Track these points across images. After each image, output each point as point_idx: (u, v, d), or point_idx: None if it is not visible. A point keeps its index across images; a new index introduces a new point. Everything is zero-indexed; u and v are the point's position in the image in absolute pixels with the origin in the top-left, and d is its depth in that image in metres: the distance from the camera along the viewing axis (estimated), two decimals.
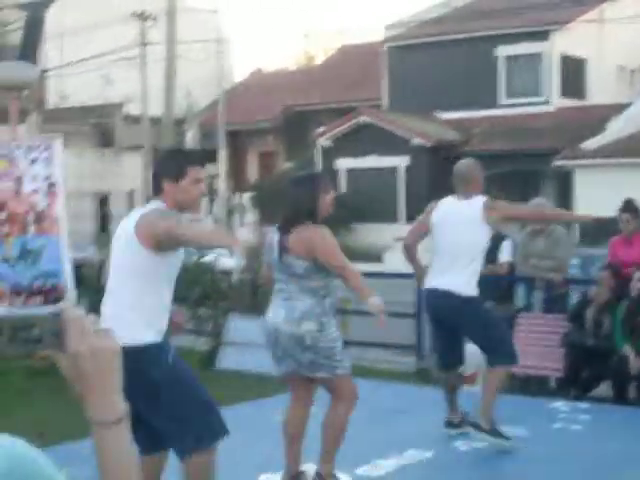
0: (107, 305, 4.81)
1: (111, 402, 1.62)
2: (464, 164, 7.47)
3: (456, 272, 6.99)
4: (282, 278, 5.92)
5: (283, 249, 5.87)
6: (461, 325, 7.22)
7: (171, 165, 4.86)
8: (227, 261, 14.66)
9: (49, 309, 1.60)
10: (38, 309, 1.60)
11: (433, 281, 7.17)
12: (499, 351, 7.08)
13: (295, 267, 5.81)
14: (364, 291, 5.77)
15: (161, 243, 4.61)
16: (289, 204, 5.97)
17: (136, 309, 4.70)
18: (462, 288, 7.00)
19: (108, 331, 1.63)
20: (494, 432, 7.01)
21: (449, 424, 7.50)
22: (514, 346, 7.27)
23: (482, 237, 7.08)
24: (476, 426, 7.09)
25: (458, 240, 6.99)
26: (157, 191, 4.85)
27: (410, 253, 7.47)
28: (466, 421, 7.37)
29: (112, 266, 4.89)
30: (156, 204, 4.79)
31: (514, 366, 7.38)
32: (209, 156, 5.04)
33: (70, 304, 1.62)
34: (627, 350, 8.72)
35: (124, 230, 4.79)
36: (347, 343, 11.12)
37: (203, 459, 4.72)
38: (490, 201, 7.08)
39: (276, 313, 5.95)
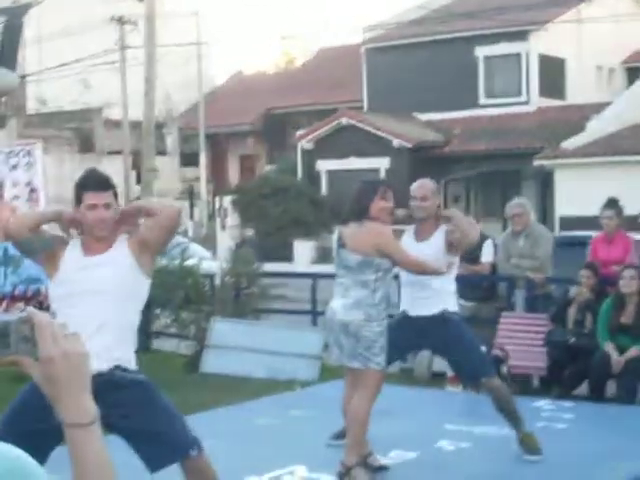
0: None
1: (83, 405, 1.64)
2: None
3: None
4: (340, 271, 6.32)
5: (340, 244, 6.30)
6: None
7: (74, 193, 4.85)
8: (210, 264, 14.67)
9: (18, 315, 1.60)
10: (7, 315, 1.59)
11: None
12: None
13: (349, 260, 6.19)
14: (428, 270, 6.32)
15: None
16: (348, 202, 6.43)
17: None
18: None
19: (76, 335, 1.64)
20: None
21: None
22: None
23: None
24: None
25: None
26: None
27: None
28: None
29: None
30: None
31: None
32: (104, 181, 5.01)
33: (37, 310, 1.63)
34: (608, 348, 8.76)
35: None
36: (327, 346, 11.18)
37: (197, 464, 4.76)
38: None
39: (334, 302, 6.34)
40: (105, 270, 4.65)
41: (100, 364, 4.28)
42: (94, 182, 4.78)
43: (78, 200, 4.72)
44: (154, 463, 4.64)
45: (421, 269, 6.32)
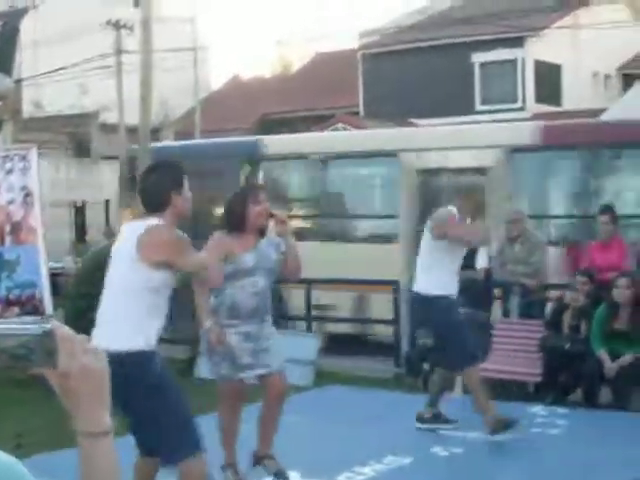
0: (103, 313, 4.96)
1: (98, 417, 1.66)
2: None
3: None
4: None
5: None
6: None
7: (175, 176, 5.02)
8: None
9: (41, 327, 1.63)
10: (31, 328, 1.62)
11: None
12: None
13: None
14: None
15: (160, 265, 4.81)
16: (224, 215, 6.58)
17: (129, 317, 4.84)
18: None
19: (97, 351, 1.66)
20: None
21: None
22: None
23: None
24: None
25: None
26: (157, 206, 4.93)
27: None
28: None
29: (109, 276, 5.01)
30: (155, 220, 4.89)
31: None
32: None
33: (60, 323, 1.65)
34: (602, 355, 8.77)
35: (124, 243, 4.93)
36: (325, 350, 11.19)
37: (192, 468, 4.78)
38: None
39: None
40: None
41: None
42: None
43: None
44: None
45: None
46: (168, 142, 25.68)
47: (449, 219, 7.45)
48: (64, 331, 1.63)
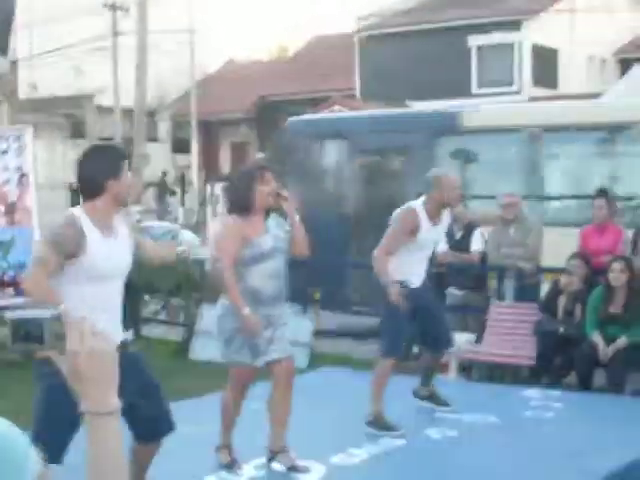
0: None
1: (104, 397, 1.68)
2: None
3: None
4: None
5: None
6: None
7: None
8: (200, 251, 14.65)
9: (51, 312, 1.65)
10: (41, 312, 1.65)
11: None
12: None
13: None
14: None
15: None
16: (230, 196, 6.46)
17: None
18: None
19: (105, 334, 1.68)
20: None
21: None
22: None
23: None
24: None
25: None
26: (91, 193, 4.81)
27: None
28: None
29: None
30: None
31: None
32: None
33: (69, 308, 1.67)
34: (596, 338, 8.78)
35: None
36: (319, 333, 11.20)
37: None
38: None
39: None
40: None
41: None
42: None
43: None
44: None
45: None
46: (328, 113, 23.18)
47: (401, 222, 7.33)
48: (72, 315, 1.64)
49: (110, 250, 4.61)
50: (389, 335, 7.40)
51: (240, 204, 6.08)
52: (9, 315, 1.43)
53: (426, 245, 7.41)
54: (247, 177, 6.14)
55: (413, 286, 7.36)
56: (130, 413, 4.75)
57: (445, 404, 7.82)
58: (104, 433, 1.51)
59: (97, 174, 4.78)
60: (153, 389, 4.79)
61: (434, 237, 7.56)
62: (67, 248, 4.40)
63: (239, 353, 6.06)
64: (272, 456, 6.22)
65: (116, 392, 1.39)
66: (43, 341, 1.49)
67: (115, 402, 1.38)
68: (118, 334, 4.66)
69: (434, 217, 7.30)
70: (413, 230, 7.19)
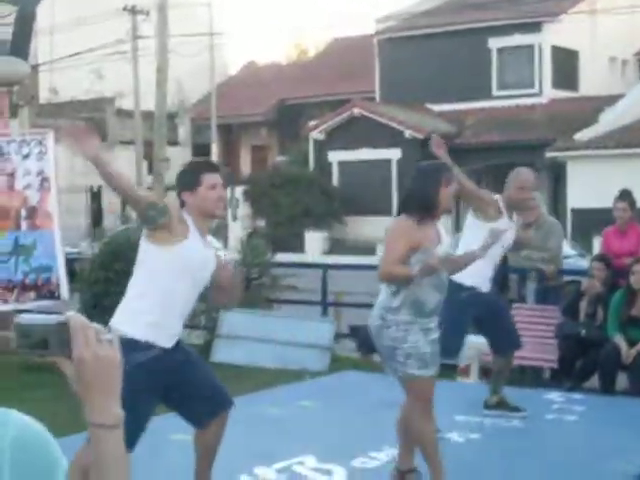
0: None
1: (108, 407, 1.68)
2: None
3: None
4: None
5: None
6: None
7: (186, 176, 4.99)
8: (221, 254, 14.67)
9: (56, 318, 1.65)
10: (47, 317, 1.65)
11: None
12: None
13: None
14: (424, 273, 5.33)
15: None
16: (409, 193, 5.70)
17: (133, 301, 4.86)
18: None
19: (111, 341, 1.68)
20: None
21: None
22: None
23: None
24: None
25: None
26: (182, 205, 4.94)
27: None
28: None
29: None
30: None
31: None
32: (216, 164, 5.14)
33: (76, 312, 1.68)
34: (619, 341, 8.74)
35: None
36: (339, 336, 11.20)
37: None
38: None
39: None
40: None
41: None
42: (210, 164, 5.19)
43: (195, 183, 4.86)
44: None
45: (391, 277, 5.52)
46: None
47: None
48: (79, 320, 1.64)
49: (204, 250, 4.91)
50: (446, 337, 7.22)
51: (423, 206, 5.47)
52: (15, 319, 1.44)
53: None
54: (434, 177, 5.56)
55: (481, 290, 7.32)
56: (187, 403, 4.87)
57: (516, 409, 7.74)
58: (109, 446, 1.52)
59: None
60: (206, 374, 5.07)
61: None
62: (170, 212, 4.65)
63: (406, 365, 5.48)
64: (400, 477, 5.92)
65: (119, 402, 1.40)
66: (47, 346, 1.50)
67: (119, 413, 1.39)
68: (178, 332, 4.87)
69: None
70: None
